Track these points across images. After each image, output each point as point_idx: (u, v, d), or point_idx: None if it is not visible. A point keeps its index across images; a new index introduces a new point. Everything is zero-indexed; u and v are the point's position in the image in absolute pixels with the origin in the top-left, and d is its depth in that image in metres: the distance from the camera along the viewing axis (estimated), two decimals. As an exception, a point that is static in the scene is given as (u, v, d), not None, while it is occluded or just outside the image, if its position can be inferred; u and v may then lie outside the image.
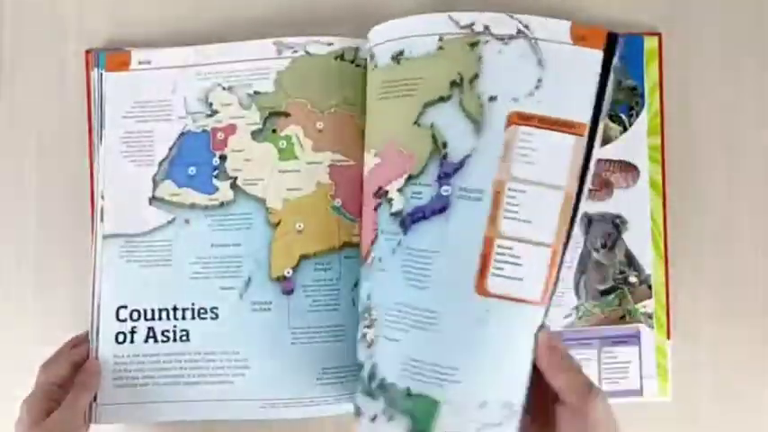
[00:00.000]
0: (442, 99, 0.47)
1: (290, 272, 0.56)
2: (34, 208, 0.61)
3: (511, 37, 0.47)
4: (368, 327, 0.50)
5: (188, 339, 0.57)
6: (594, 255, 0.57)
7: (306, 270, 0.56)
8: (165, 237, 0.57)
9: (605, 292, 0.57)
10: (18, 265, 0.61)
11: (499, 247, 0.46)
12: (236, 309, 0.57)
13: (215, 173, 0.58)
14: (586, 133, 0.46)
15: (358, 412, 0.50)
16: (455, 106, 0.47)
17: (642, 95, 0.58)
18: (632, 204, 0.56)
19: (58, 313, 0.60)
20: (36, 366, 0.54)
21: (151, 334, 0.57)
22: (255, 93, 0.58)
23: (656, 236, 0.57)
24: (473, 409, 0.45)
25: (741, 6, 0.60)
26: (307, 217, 0.56)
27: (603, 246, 0.57)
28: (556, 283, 0.46)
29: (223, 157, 0.58)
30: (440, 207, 0.47)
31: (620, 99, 0.58)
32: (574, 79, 0.46)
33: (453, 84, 0.47)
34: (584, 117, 0.46)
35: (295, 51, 0.57)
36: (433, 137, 0.47)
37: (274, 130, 0.58)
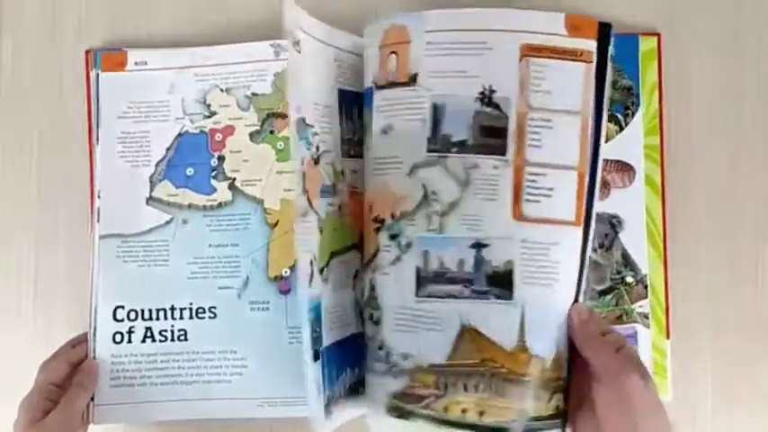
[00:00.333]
0: None
1: (288, 271, 0.57)
2: (34, 208, 0.62)
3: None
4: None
5: (186, 339, 0.57)
6: (592, 255, 0.57)
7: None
8: (162, 237, 0.58)
9: (603, 293, 0.57)
10: (18, 265, 0.61)
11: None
12: (234, 308, 0.57)
13: (213, 173, 0.58)
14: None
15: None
16: None
17: (638, 95, 0.58)
18: (628, 204, 0.56)
19: (56, 313, 0.61)
20: (35, 367, 0.54)
21: (149, 334, 0.57)
22: (253, 94, 0.58)
23: (655, 236, 0.57)
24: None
25: (741, 6, 0.60)
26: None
27: (601, 246, 0.57)
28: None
29: (221, 158, 0.58)
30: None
31: (615, 99, 0.58)
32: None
33: None
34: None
35: None
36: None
37: (272, 132, 0.58)
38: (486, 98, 0.48)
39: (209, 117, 0.58)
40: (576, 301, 0.48)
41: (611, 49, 0.48)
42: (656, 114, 0.58)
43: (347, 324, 0.53)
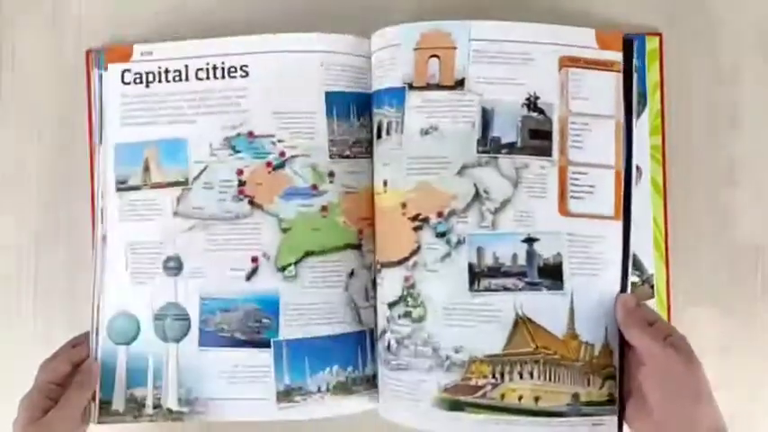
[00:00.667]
0: None
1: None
2: (34, 208, 0.61)
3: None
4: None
5: None
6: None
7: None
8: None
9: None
10: (18, 265, 0.61)
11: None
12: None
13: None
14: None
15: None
16: None
17: (644, 95, 0.59)
18: (635, 204, 0.54)
19: (56, 313, 0.60)
20: (35, 367, 0.53)
21: None
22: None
23: (657, 236, 0.58)
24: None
25: (741, 6, 0.60)
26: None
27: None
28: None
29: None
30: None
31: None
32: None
33: None
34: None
35: None
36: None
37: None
38: (532, 104, 0.52)
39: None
40: (623, 291, 0.52)
41: (634, 61, 0.53)
42: (659, 114, 0.59)
43: (333, 322, 0.55)
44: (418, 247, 0.52)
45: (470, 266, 0.51)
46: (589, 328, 0.51)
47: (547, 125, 0.52)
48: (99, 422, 0.54)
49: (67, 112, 0.60)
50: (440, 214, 0.52)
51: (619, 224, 0.52)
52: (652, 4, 0.60)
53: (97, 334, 0.55)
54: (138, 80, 0.57)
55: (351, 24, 0.56)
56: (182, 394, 0.54)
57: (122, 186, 0.56)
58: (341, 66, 0.56)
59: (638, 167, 0.58)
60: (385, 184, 0.53)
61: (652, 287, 0.58)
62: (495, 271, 0.51)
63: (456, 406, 0.50)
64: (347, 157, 0.56)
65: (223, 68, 0.56)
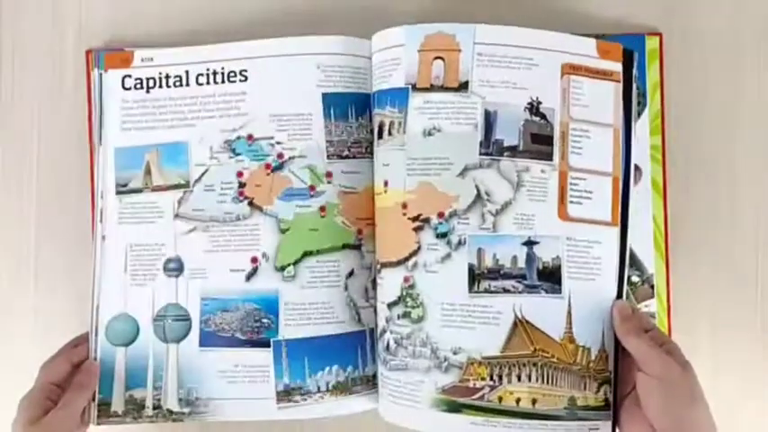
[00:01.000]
0: None
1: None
2: (35, 208, 0.61)
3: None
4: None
5: None
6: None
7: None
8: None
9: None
10: (18, 265, 0.60)
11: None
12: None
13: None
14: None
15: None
16: None
17: (644, 95, 0.59)
18: (636, 204, 0.55)
19: (56, 313, 0.60)
20: (35, 367, 0.52)
21: None
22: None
23: (657, 236, 0.58)
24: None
25: (741, 6, 0.60)
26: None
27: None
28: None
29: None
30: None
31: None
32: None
33: None
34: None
35: None
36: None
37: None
38: (535, 108, 0.52)
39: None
40: (619, 296, 0.52)
41: (634, 72, 0.54)
42: (659, 114, 0.59)
43: (332, 322, 0.55)
44: (418, 248, 0.52)
45: (470, 268, 0.51)
46: (586, 332, 0.51)
47: (548, 130, 0.52)
48: (98, 423, 0.54)
49: (67, 112, 0.60)
50: (441, 215, 0.52)
51: (616, 230, 0.53)
52: (652, 5, 0.60)
53: (96, 335, 0.55)
54: (138, 86, 0.57)
55: (351, 25, 0.56)
56: (182, 395, 0.55)
57: (124, 189, 0.56)
58: (339, 67, 0.56)
59: (637, 167, 0.59)
60: (386, 184, 0.53)
61: (652, 287, 0.59)
62: (495, 273, 0.51)
63: (454, 407, 0.51)
64: (346, 157, 0.56)
65: (223, 73, 0.56)
